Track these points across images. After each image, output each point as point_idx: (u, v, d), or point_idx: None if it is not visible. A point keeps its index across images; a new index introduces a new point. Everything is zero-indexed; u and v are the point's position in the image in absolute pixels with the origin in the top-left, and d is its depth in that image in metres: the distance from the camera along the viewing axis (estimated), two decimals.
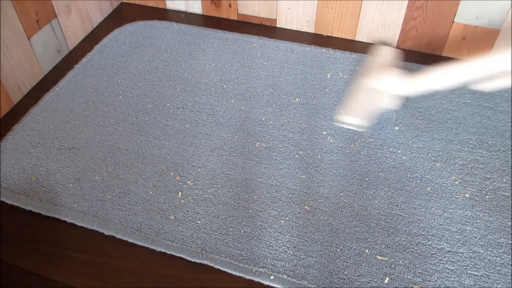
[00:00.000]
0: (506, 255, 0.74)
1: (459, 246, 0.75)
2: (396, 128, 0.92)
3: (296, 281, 0.71)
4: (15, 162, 0.88)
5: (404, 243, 0.76)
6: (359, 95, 0.91)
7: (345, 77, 1.07)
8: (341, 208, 0.81)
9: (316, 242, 0.76)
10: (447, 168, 0.87)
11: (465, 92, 1.02)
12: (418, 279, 0.71)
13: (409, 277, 0.72)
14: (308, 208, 0.81)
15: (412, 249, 0.75)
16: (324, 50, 1.15)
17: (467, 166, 0.88)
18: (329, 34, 1.22)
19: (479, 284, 0.71)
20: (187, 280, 0.72)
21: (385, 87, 0.89)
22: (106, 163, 0.88)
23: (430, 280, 0.71)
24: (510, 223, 0.78)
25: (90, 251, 0.76)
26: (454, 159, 0.89)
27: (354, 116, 0.88)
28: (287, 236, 0.77)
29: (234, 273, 0.72)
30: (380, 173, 0.86)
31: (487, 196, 0.82)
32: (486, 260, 0.73)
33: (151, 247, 0.76)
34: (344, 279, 0.71)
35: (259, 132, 0.94)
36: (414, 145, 0.91)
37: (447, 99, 1.01)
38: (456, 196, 0.82)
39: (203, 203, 0.81)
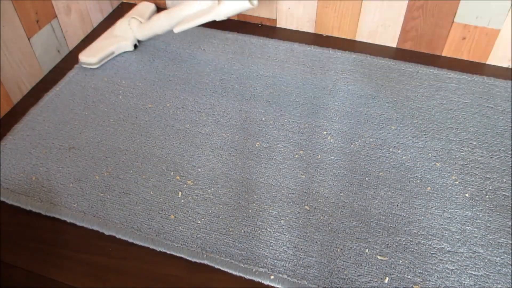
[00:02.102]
0: (506, 255, 0.74)
1: (459, 246, 0.75)
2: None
3: (296, 281, 0.71)
4: (15, 162, 0.88)
5: (404, 243, 0.76)
6: (101, 39, 1.14)
7: (345, 77, 1.07)
8: (341, 208, 0.81)
9: (316, 242, 0.76)
10: (447, 168, 0.87)
11: (465, 92, 1.03)
12: (418, 279, 0.71)
13: (409, 277, 0.72)
14: (308, 208, 0.81)
15: (412, 249, 0.75)
16: (324, 50, 1.15)
17: (467, 166, 0.88)
18: (329, 34, 1.22)
19: (479, 284, 0.71)
20: (187, 280, 0.72)
21: (123, 33, 1.14)
22: (106, 163, 0.88)
23: (430, 280, 0.71)
24: (510, 223, 0.78)
25: (90, 251, 0.76)
26: (454, 159, 0.89)
27: (90, 56, 1.09)
28: (287, 236, 0.77)
29: (234, 273, 0.72)
30: (380, 173, 0.86)
31: (487, 196, 0.82)
32: (486, 260, 0.74)
33: (151, 247, 0.76)
34: (344, 279, 0.71)
35: (259, 132, 0.94)
36: (414, 145, 0.91)
37: (447, 99, 1.01)
38: (456, 196, 0.82)
39: (203, 203, 0.81)
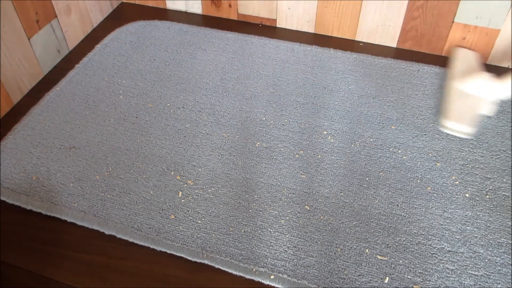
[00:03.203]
0: (506, 255, 0.74)
1: (459, 246, 0.75)
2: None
3: (296, 280, 0.71)
4: (16, 162, 0.88)
5: (404, 243, 0.76)
6: (456, 101, 0.93)
7: (345, 77, 1.07)
8: (341, 208, 0.81)
9: (316, 242, 0.76)
10: (447, 168, 0.87)
11: None
12: (418, 279, 0.71)
13: (409, 277, 0.72)
14: (308, 208, 0.81)
15: (412, 249, 0.75)
16: (324, 50, 1.15)
17: (467, 166, 0.88)
18: (329, 34, 1.22)
19: (479, 284, 0.71)
20: (187, 280, 0.72)
21: (479, 92, 0.92)
22: (107, 163, 0.88)
23: (430, 280, 0.71)
24: (510, 223, 0.78)
25: (91, 250, 0.76)
26: (454, 159, 0.89)
27: (459, 122, 0.90)
28: (287, 235, 0.77)
29: (234, 272, 0.72)
30: (380, 173, 0.86)
31: (487, 196, 0.82)
32: (486, 260, 0.74)
33: (152, 246, 0.76)
34: (344, 278, 0.71)
35: (259, 132, 0.94)
36: (414, 145, 0.91)
37: None
38: (456, 196, 0.82)
39: (204, 203, 0.81)
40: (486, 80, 0.93)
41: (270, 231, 0.77)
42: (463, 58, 1.06)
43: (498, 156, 0.89)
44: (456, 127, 0.91)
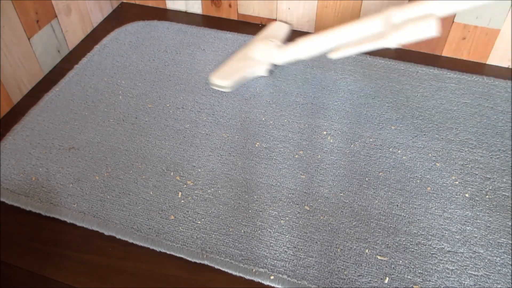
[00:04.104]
0: (506, 255, 0.74)
1: (459, 246, 0.75)
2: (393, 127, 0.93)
3: (296, 281, 0.71)
4: (15, 162, 0.88)
5: (404, 243, 0.76)
6: (234, 60, 1.06)
7: (345, 77, 1.07)
8: (341, 208, 0.81)
9: (316, 242, 0.76)
10: (447, 168, 0.87)
11: (465, 92, 1.03)
12: (418, 279, 0.71)
13: (409, 277, 0.72)
14: (308, 208, 0.81)
15: (412, 249, 0.75)
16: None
17: (467, 166, 0.88)
18: None
19: (479, 284, 0.71)
20: (187, 280, 0.72)
21: (258, 56, 1.05)
22: (106, 163, 0.88)
23: (430, 280, 0.71)
24: (510, 223, 0.78)
25: (90, 251, 0.76)
26: (454, 159, 0.89)
27: (224, 79, 1.02)
28: (287, 236, 0.77)
29: (234, 273, 0.72)
30: (380, 173, 0.86)
31: (487, 196, 0.82)
32: (486, 260, 0.73)
33: (151, 247, 0.76)
34: (344, 279, 0.71)
35: (259, 132, 0.94)
36: (414, 145, 0.91)
37: (447, 99, 1.01)
38: (456, 196, 0.82)
39: (203, 203, 0.81)
40: (267, 45, 1.04)
41: (270, 232, 0.77)
42: (272, 29, 1.14)
43: (498, 156, 0.89)
44: (219, 82, 1.03)
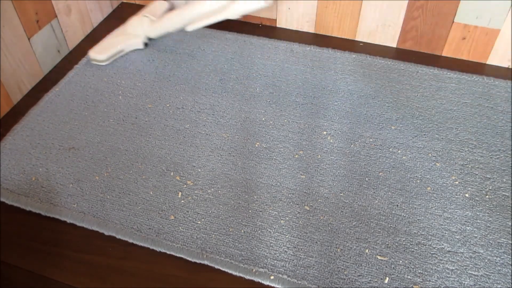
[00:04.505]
0: (506, 255, 0.74)
1: (459, 246, 0.75)
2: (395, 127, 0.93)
3: (296, 281, 0.71)
4: (15, 163, 0.88)
5: (404, 243, 0.76)
6: (112, 36, 1.14)
7: (345, 77, 1.07)
8: (341, 208, 0.81)
9: (316, 242, 0.76)
10: (447, 168, 0.87)
11: (465, 92, 1.03)
12: (418, 279, 0.71)
13: (409, 277, 0.72)
14: (308, 208, 0.81)
15: (412, 249, 0.75)
16: (324, 50, 1.15)
17: (467, 166, 0.88)
18: (329, 34, 1.22)
19: (479, 284, 0.71)
20: (187, 280, 0.72)
21: (135, 30, 1.14)
22: (106, 164, 0.88)
23: (430, 280, 0.71)
24: (510, 223, 0.78)
25: (90, 251, 0.76)
26: (454, 159, 0.89)
27: (100, 53, 1.09)
28: (287, 236, 0.77)
29: (234, 273, 0.72)
30: (380, 173, 0.86)
31: (487, 196, 0.82)
32: (486, 260, 0.73)
33: (151, 247, 0.76)
34: (344, 279, 0.71)
35: (259, 132, 0.94)
36: (414, 145, 0.91)
37: (447, 99, 1.01)
38: (456, 196, 0.82)
39: (203, 203, 0.81)
40: (141, 20, 1.14)
41: (270, 232, 0.77)
42: (152, 7, 1.20)
43: (498, 156, 0.89)
44: (96, 56, 1.09)
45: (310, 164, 0.88)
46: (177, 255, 0.75)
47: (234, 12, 0.98)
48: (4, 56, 0.97)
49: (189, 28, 1.04)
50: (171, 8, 1.23)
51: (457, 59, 1.14)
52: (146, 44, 1.16)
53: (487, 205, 0.81)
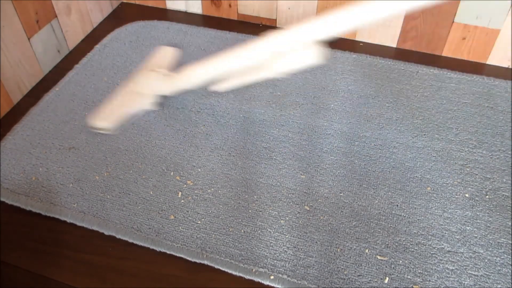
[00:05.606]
0: (506, 255, 0.74)
1: (459, 246, 0.75)
2: None
3: (296, 281, 0.71)
4: (15, 162, 0.88)
5: (404, 243, 0.76)
6: (117, 98, 0.97)
7: (345, 77, 1.07)
8: (341, 208, 0.81)
9: (316, 242, 0.76)
10: (447, 168, 0.87)
11: (465, 92, 1.03)
12: (418, 279, 0.71)
13: (409, 277, 0.72)
14: (308, 208, 0.81)
15: (412, 249, 0.75)
16: (323, 50, 1.15)
17: (467, 166, 0.88)
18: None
19: (479, 284, 0.71)
20: (187, 280, 0.72)
21: (144, 89, 0.96)
22: (106, 163, 0.88)
23: (430, 280, 0.71)
24: (510, 223, 0.78)
25: (90, 251, 0.76)
26: (454, 159, 0.89)
27: (104, 120, 0.94)
28: (287, 236, 0.77)
29: (234, 273, 0.72)
30: (380, 173, 0.86)
31: (487, 196, 0.82)
32: (486, 260, 0.73)
33: (151, 247, 0.76)
34: (344, 279, 0.71)
35: (259, 132, 0.94)
36: (414, 145, 0.91)
37: (447, 99, 1.01)
38: (456, 196, 0.82)
39: (203, 203, 0.81)
40: (151, 76, 0.97)
41: (269, 232, 0.77)
42: (158, 57, 1.07)
43: (498, 156, 0.89)
44: (100, 124, 0.94)
45: (310, 164, 0.88)
46: (177, 255, 0.75)
47: (277, 71, 0.77)
48: (4, 56, 0.97)
49: (218, 89, 0.84)
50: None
51: (457, 59, 1.14)
52: (161, 104, 0.98)
53: (487, 205, 0.81)
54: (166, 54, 1.07)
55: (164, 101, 0.99)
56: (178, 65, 1.01)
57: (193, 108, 1.00)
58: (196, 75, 0.87)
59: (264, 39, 0.76)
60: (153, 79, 0.96)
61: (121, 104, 0.96)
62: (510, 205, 0.81)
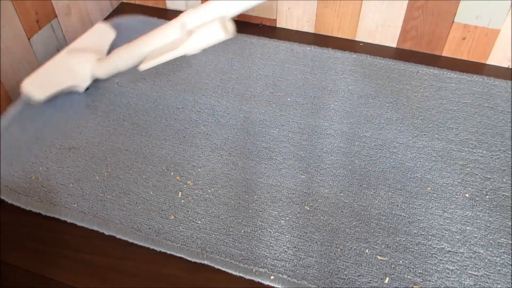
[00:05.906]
0: (506, 255, 0.74)
1: (459, 246, 0.75)
2: None
3: (296, 281, 0.71)
4: (15, 162, 0.88)
5: (404, 243, 0.76)
6: (51, 67, 0.98)
7: (345, 77, 1.07)
8: (341, 208, 0.81)
9: (316, 242, 0.76)
10: (447, 168, 0.87)
11: (465, 92, 1.03)
12: (418, 279, 0.71)
13: (409, 277, 0.72)
14: (308, 208, 0.81)
15: (412, 249, 0.75)
16: (324, 50, 1.15)
17: (467, 166, 0.88)
18: (329, 34, 1.22)
19: (479, 284, 0.71)
20: (187, 280, 0.72)
21: (76, 67, 0.98)
22: (106, 163, 0.88)
23: (430, 280, 0.71)
24: (510, 223, 0.78)
25: (90, 251, 0.76)
26: (454, 159, 0.89)
27: (37, 89, 0.94)
28: (287, 236, 0.77)
29: (234, 273, 0.72)
30: (380, 173, 0.86)
31: (487, 196, 0.82)
32: (486, 260, 0.73)
33: (151, 247, 0.76)
34: (344, 279, 0.71)
35: (259, 132, 0.94)
36: (414, 145, 0.91)
37: (447, 99, 1.01)
38: (456, 196, 0.82)
39: (203, 203, 0.81)
40: (88, 59, 0.98)
41: (270, 232, 0.77)
42: (98, 34, 1.08)
43: (498, 156, 0.89)
44: (32, 92, 0.94)
45: (310, 164, 0.88)
46: (177, 255, 0.75)
47: (192, 47, 0.81)
48: (4, 56, 0.97)
49: (142, 67, 0.86)
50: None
51: (457, 59, 1.14)
52: (87, 89, 1.01)
53: (487, 205, 0.81)
54: (105, 33, 1.09)
55: (92, 84, 1.02)
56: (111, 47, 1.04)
57: (193, 108, 1.00)
58: (124, 57, 0.92)
59: (178, 18, 0.84)
60: (85, 60, 0.98)
61: (54, 76, 0.98)
62: (510, 205, 0.81)
